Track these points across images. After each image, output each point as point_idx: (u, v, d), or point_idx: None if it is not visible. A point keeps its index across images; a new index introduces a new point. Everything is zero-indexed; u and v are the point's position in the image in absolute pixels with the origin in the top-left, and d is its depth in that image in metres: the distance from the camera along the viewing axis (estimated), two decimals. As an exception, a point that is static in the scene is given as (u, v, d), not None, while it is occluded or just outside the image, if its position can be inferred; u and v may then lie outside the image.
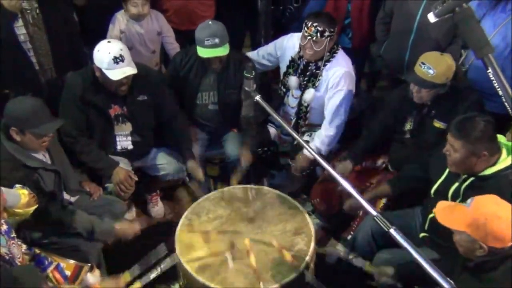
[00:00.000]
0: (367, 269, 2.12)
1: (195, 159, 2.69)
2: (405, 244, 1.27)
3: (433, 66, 2.30)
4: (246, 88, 1.93)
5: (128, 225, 2.33)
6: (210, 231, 2.22)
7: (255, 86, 1.97)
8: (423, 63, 2.33)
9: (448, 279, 1.21)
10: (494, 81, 1.35)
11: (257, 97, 1.91)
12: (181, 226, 2.24)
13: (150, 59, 3.14)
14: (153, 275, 2.09)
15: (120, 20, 3.01)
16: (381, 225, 1.31)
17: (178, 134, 2.73)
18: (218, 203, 2.36)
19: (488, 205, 1.61)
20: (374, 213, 1.35)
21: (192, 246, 2.14)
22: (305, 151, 2.79)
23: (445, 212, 1.69)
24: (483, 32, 1.39)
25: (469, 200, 1.65)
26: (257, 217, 2.28)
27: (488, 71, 1.35)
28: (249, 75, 1.93)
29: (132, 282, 2.05)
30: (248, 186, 2.45)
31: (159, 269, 2.10)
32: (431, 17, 1.43)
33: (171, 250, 2.14)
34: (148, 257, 2.12)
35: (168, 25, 3.15)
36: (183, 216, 2.29)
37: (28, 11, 2.59)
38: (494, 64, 1.34)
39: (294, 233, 2.20)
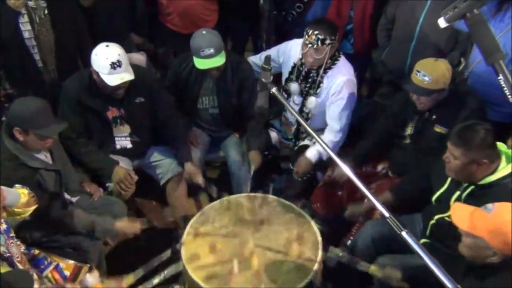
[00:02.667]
0: (373, 272, 2.08)
1: (192, 161, 2.68)
2: (416, 247, 1.26)
3: (428, 73, 2.30)
4: (263, 79, 1.91)
5: (128, 224, 2.31)
6: (216, 240, 2.18)
7: (271, 78, 1.95)
8: (418, 71, 2.33)
9: (459, 286, 1.21)
10: (505, 88, 1.34)
11: (273, 89, 1.89)
12: (187, 235, 2.20)
13: None
14: (155, 280, 2.06)
15: None
16: (394, 227, 1.31)
17: (173, 135, 2.73)
18: (223, 212, 2.32)
19: (511, 213, 1.56)
20: (387, 214, 1.34)
21: (198, 256, 2.10)
22: (306, 154, 2.79)
23: (464, 216, 1.64)
24: (494, 38, 1.39)
25: (490, 206, 1.60)
26: (263, 225, 2.26)
27: (499, 77, 1.34)
28: (266, 67, 1.91)
29: (135, 285, 2.04)
30: (253, 194, 2.43)
31: (162, 275, 2.07)
32: (442, 23, 1.43)
33: (176, 256, 2.13)
34: (152, 262, 2.11)
35: None
36: (189, 225, 2.25)
37: (36, 11, 2.59)
38: (505, 70, 1.33)
39: (301, 242, 2.16)
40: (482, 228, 1.58)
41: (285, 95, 2.91)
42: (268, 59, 1.93)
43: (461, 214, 1.66)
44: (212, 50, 2.54)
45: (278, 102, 2.93)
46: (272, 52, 2.97)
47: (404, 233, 1.29)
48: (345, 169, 1.55)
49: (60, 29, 2.69)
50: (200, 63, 2.59)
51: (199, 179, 2.64)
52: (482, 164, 1.92)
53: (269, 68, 1.92)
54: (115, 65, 2.34)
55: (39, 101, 2.16)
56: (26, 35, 2.62)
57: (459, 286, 1.21)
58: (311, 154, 2.79)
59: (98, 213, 2.34)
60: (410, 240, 1.28)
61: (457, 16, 1.37)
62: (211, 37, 2.58)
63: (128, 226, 2.30)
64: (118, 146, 2.68)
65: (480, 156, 1.90)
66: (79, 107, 2.50)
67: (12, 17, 2.49)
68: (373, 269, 2.09)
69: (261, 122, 2.78)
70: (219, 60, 2.59)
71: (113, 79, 2.36)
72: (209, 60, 2.57)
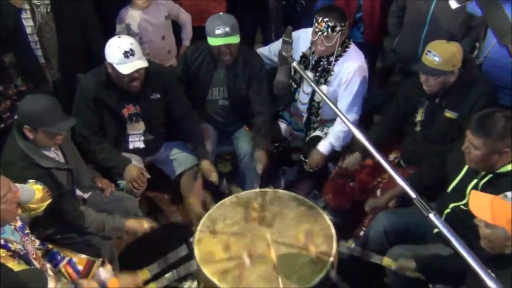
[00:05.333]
0: (386, 264, 2.06)
1: (208, 159, 2.68)
2: (444, 229, 1.22)
3: (439, 53, 2.27)
4: (283, 53, 1.86)
5: (137, 222, 2.33)
6: (229, 238, 2.16)
7: (292, 51, 1.89)
8: (429, 51, 2.31)
9: (489, 271, 1.17)
10: None
11: (294, 63, 1.83)
12: (199, 233, 2.18)
13: (162, 46, 3.15)
14: (169, 275, 2.06)
15: (124, 15, 3.03)
16: (421, 208, 1.27)
17: (190, 132, 2.72)
18: (234, 209, 2.30)
19: None
20: (413, 195, 1.30)
21: (212, 254, 2.09)
22: (318, 148, 2.77)
23: (483, 206, 1.60)
24: (508, 19, 1.34)
25: (509, 194, 1.58)
26: (276, 220, 2.24)
27: None
28: (287, 39, 1.86)
29: (149, 280, 2.05)
30: (264, 189, 2.41)
31: (175, 273, 2.07)
32: (453, 4, 1.38)
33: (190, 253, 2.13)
34: (168, 257, 2.12)
35: (177, 6, 3.16)
36: (200, 223, 2.24)
37: (39, 9, 2.60)
38: None
39: (314, 236, 2.15)
40: (503, 217, 1.54)
41: (295, 86, 2.88)
42: (289, 31, 1.87)
43: (480, 204, 1.62)
44: (227, 29, 2.54)
45: (286, 93, 2.97)
46: (280, 42, 2.94)
47: (431, 215, 1.25)
48: (370, 147, 1.48)
49: (64, 27, 2.69)
50: (214, 41, 2.58)
51: (213, 178, 2.64)
52: (503, 153, 1.87)
53: (290, 40, 1.87)
54: (128, 54, 2.34)
55: (47, 99, 2.15)
56: (28, 30, 2.63)
57: (489, 271, 1.17)
58: (323, 147, 2.77)
59: (111, 209, 2.36)
60: (437, 222, 1.24)
61: (468, -3, 1.32)
62: (228, 18, 2.59)
63: (137, 225, 2.32)
64: (131, 147, 2.68)
65: (502, 145, 1.85)
66: (95, 104, 2.50)
67: (14, 12, 2.49)
68: (386, 261, 2.07)
69: (268, 121, 2.77)
70: (234, 39, 2.58)
71: (126, 68, 2.36)
72: (224, 38, 2.56)
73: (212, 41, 2.59)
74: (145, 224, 2.33)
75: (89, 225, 2.20)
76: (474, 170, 1.99)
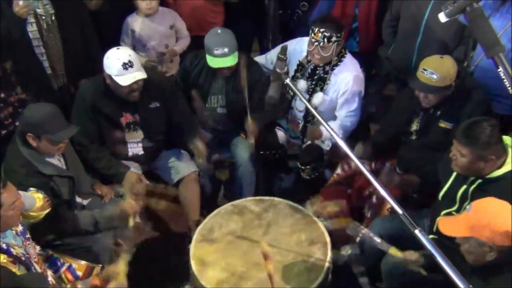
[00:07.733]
0: (392, 252, 2.05)
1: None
2: (429, 246, 1.26)
3: (436, 71, 2.29)
4: (277, 70, 1.89)
5: (126, 203, 2.33)
6: (225, 246, 2.18)
7: (286, 68, 1.94)
8: (424, 69, 2.32)
9: (470, 286, 1.21)
10: (505, 81, 1.35)
11: (287, 80, 1.87)
12: (195, 242, 2.19)
13: (164, 55, 3.17)
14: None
15: (130, 21, 3.06)
16: (407, 224, 1.31)
17: (187, 132, 2.72)
18: (230, 217, 2.32)
19: (488, 205, 1.64)
20: (400, 211, 1.33)
21: (208, 263, 2.10)
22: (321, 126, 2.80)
23: (448, 223, 1.72)
24: (494, 31, 1.39)
25: (468, 206, 1.67)
26: (271, 229, 2.25)
27: (499, 70, 1.34)
28: (282, 57, 1.89)
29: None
30: (259, 197, 2.43)
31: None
32: (442, 17, 1.43)
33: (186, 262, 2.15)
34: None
35: (182, 21, 3.18)
36: (196, 232, 2.25)
37: (43, 17, 2.64)
38: (505, 63, 1.34)
39: (309, 243, 2.17)
40: (467, 227, 1.64)
41: (292, 93, 2.92)
42: (284, 49, 1.92)
43: (446, 223, 1.73)
44: (226, 50, 2.57)
45: (283, 101, 3.00)
46: (277, 51, 2.98)
47: (417, 231, 1.29)
48: (356, 160, 1.52)
49: (68, 33, 2.73)
50: (213, 62, 2.62)
51: (201, 157, 2.66)
52: (489, 161, 1.92)
53: (285, 58, 1.91)
54: (127, 66, 2.36)
55: (50, 107, 2.19)
56: (35, 43, 2.67)
57: (470, 286, 1.21)
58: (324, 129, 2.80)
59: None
60: (423, 239, 1.28)
61: (457, 10, 1.37)
62: (226, 37, 2.61)
63: (126, 205, 2.32)
64: (130, 153, 2.70)
65: (487, 153, 1.90)
66: (93, 111, 2.52)
67: (19, 23, 2.52)
68: (393, 250, 2.06)
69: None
70: (232, 60, 2.61)
71: (125, 79, 2.38)
72: (222, 59, 2.59)
73: (211, 62, 2.62)
74: (133, 203, 2.33)
75: (84, 227, 2.21)
76: (463, 177, 2.04)
